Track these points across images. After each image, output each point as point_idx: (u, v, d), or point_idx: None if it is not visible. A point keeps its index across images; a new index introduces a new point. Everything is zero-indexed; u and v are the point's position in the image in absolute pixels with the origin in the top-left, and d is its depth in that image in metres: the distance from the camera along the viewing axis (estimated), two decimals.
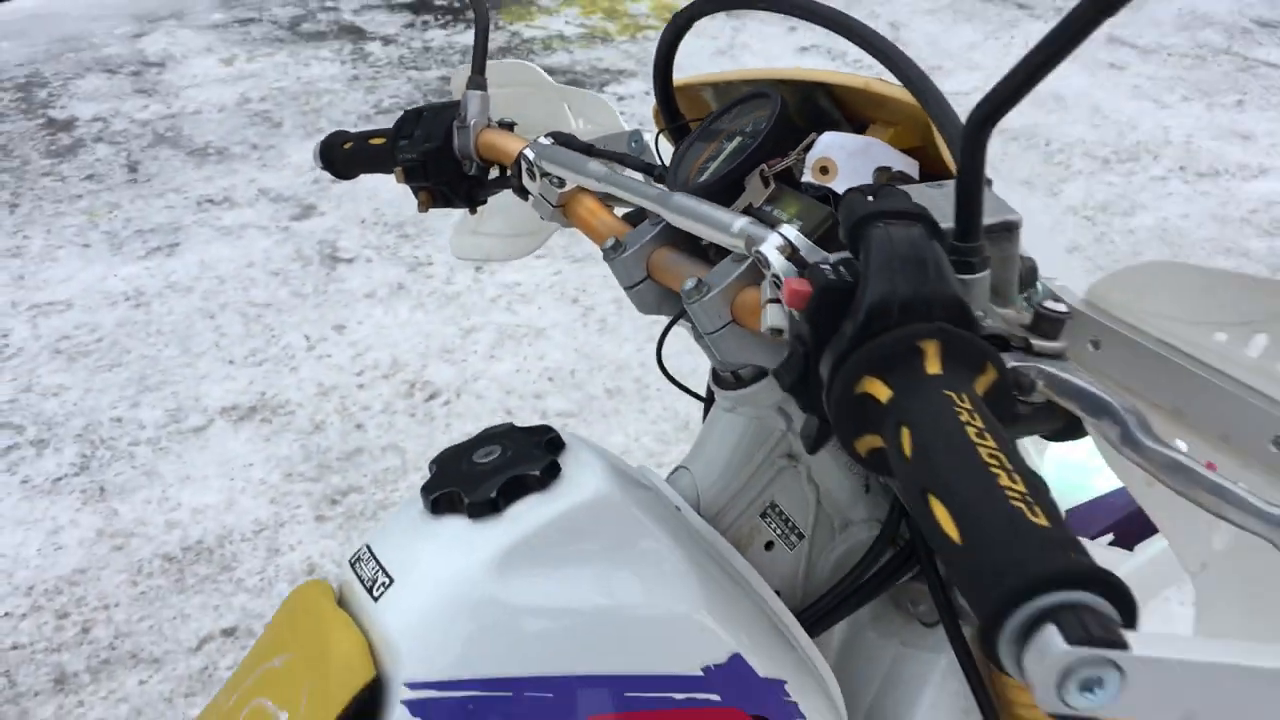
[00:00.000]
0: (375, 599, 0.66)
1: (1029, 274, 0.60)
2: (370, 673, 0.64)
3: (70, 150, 3.85)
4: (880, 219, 0.51)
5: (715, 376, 0.76)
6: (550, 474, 0.68)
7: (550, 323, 2.85)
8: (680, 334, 0.77)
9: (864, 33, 0.70)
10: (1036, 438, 0.59)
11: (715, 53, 4.40)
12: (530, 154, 0.83)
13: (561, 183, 0.82)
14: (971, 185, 0.52)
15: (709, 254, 0.73)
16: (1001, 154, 3.56)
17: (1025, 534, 0.36)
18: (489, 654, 0.64)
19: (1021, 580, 0.35)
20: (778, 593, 0.79)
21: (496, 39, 4.64)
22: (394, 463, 2.41)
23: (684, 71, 0.87)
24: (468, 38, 4.64)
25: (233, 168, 3.66)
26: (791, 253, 0.59)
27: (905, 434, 0.43)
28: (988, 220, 0.56)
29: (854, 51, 4.18)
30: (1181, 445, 0.46)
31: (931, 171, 0.72)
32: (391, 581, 0.67)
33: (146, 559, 2.20)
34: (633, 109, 3.97)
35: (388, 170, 0.97)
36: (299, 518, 2.29)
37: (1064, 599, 0.35)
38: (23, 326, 2.92)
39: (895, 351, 0.47)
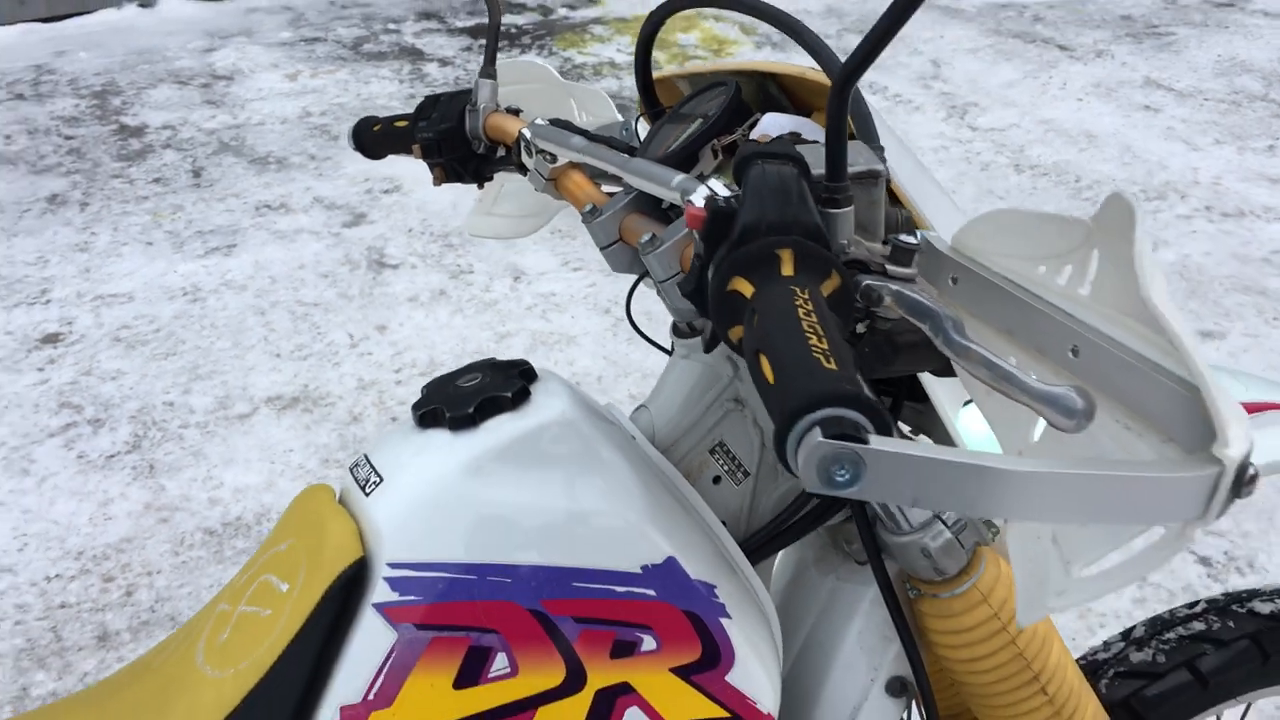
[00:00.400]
0: (367, 495, 0.79)
1: (905, 222, 0.71)
2: (358, 553, 0.76)
3: (140, 155, 4.06)
4: (760, 159, 0.63)
5: (674, 327, 0.88)
6: (521, 397, 0.80)
7: (581, 331, 2.97)
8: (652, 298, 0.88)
9: (797, 27, 0.82)
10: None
11: None
12: (527, 133, 0.95)
13: (554, 159, 0.94)
14: (837, 136, 0.64)
15: (670, 218, 0.84)
16: (1031, 188, 3.65)
17: (816, 373, 0.47)
18: (459, 542, 0.76)
19: (804, 400, 0.46)
20: (724, 522, 0.90)
21: (551, 62, 4.81)
22: None
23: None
24: (555, 62, 4.82)
25: (291, 176, 3.85)
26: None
27: (756, 318, 0.54)
28: (854, 168, 0.67)
29: (894, 86, 4.30)
30: (999, 360, 0.57)
31: None
32: (381, 480, 0.79)
33: (189, 532, 2.35)
34: None
35: (409, 149, 1.10)
36: None
37: (831, 413, 0.46)
38: (86, 315, 3.10)
39: (758, 257, 0.58)
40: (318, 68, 4.80)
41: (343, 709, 0.74)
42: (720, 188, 0.67)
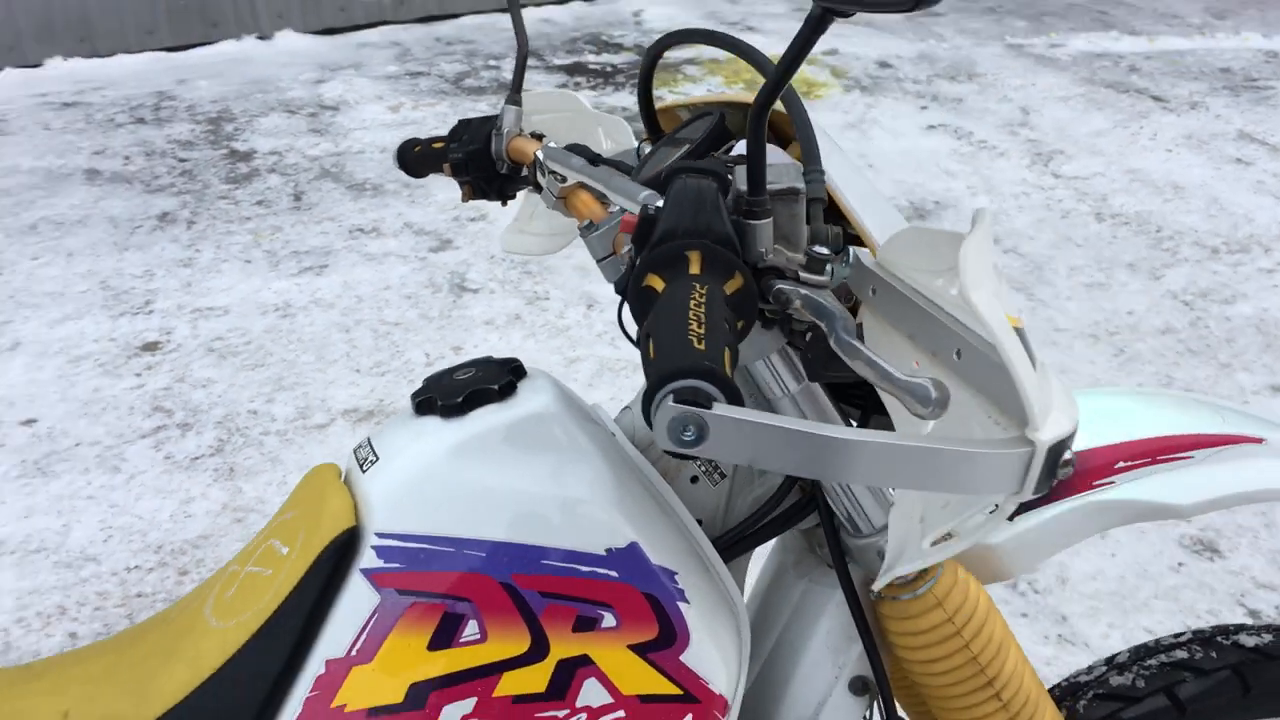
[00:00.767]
0: (364, 472, 0.87)
1: (835, 238, 0.77)
2: (351, 522, 0.84)
3: (246, 178, 4.28)
4: (683, 173, 0.71)
5: None
6: (508, 391, 0.88)
7: None
8: None
9: (765, 66, 0.89)
10: None
11: (846, 125, 4.59)
12: (540, 155, 1.04)
13: (564, 180, 1.03)
14: (756, 155, 0.71)
15: None
16: (1110, 237, 3.64)
17: (683, 351, 0.54)
18: (441, 517, 0.84)
19: (667, 371, 0.53)
20: (700, 521, 0.97)
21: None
22: None
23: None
24: (615, 99, 4.95)
25: (385, 202, 4.02)
26: None
27: (654, 308, 0.61)
28: (776, 185, 0.74)
29: (980, 132, 4.33)
30: (874, 356, 0.63)
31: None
32: (377, 459, 0.87)
33: None
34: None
35: (441, 168, 1.20)
36: None
37: (686, 383, 0.53)
38: (184, 326, 3.28)
39: (670, 257, 0.65)
40: (419, 100, 4.99)
41: (328, 661, 0.82)
42: (658, 200, 0.75)
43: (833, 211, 0.85)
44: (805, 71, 5.19)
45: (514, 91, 1.14)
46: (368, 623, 0.82)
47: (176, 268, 3.62)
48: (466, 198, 1.18)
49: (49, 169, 4.44)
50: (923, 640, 0.94)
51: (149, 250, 3.75)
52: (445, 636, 0.83)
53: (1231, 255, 3.50)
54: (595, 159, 1.02)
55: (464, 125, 1.18)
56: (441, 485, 0.85)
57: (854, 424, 0.98)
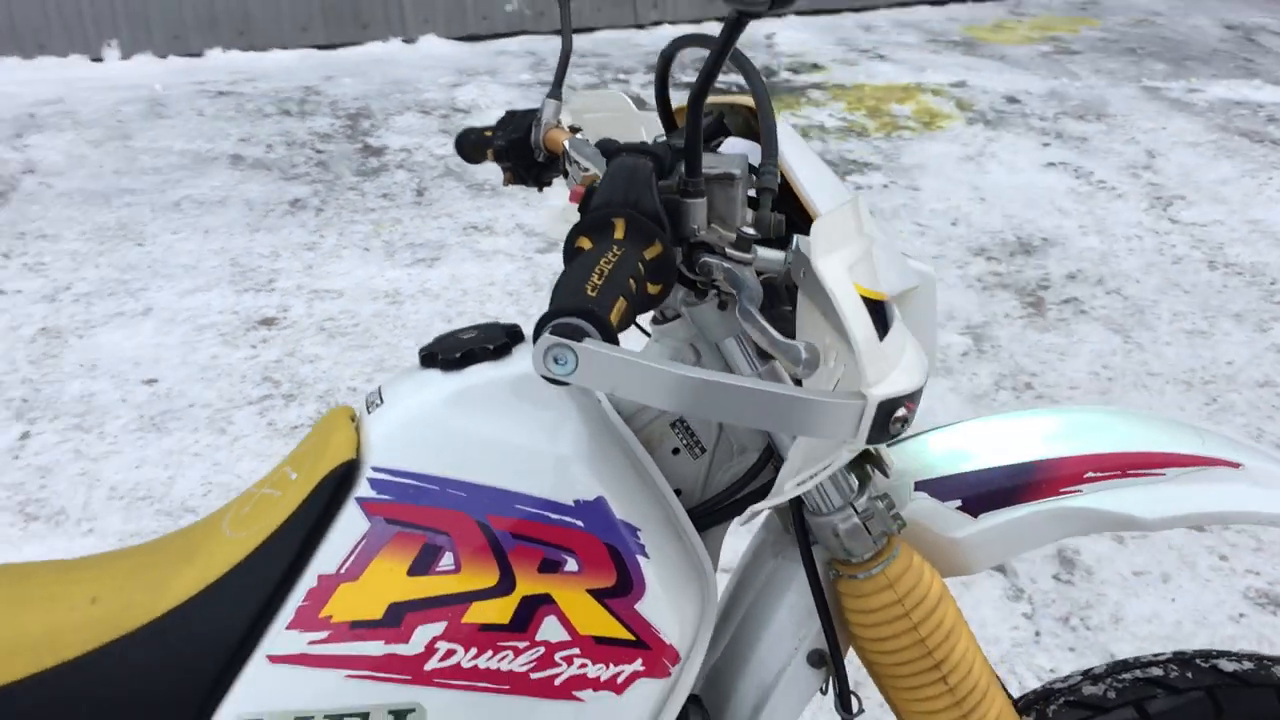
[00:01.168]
0: (369, 413, 0.98)
1: (776, 225, 0.84)
2: (351, 455, 0.95)
3: (375, 172, 4.50)
4: (623, 152, 0.79)
5: (654, 315, 1.04)
6: (503, 351, 0.98)
7: None
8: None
9: (749, 70, 0.96)
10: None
11: (964, 158, 4.58)
12: (568, 145, 1.14)
13: (586, 169, 1.12)
14: (692, 142, 0.79)
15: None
16: (1221, 286, 3.57)
17: (576, 296, 0.63)
18: (430, 457, 0.94)
19: (554, 308, 0.62)
20: (680, 491, 1.05)
21: None
22: None
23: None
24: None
25: (500, 203, 4.18)
26: None
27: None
28: (714, 170, 0.82)
29: (1100, 173, 4.28)
30: (764, 323, 0.70)
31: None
32: (382, 403, 0.98)
33: None
34: (866, 198, 4.22)
35: (487, 154, 1.30)
36: None
37: (566, 320, 0.61)
38: (300, 305, 3.48)
39: (598, 223, 0.74)
40: None
41: (320, 576, 0.93)
42: None
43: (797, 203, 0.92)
44: (930, 102, 5.20)
45: (555, 87, 1.24)
46: (357, 545, 0.92)
47: (301, 250, 3.84)
48: (507, 182, 1.29)
49: (198, 152, 4.74)
50: (873, 619, 1.00)
51: (278, 233, 3.98)
52: (424, 564, 0.92)
53: None
54: (615, 151, 1.11)
55: (510, 116, 1.28)
56: (434, 430, 0.94)
57: None
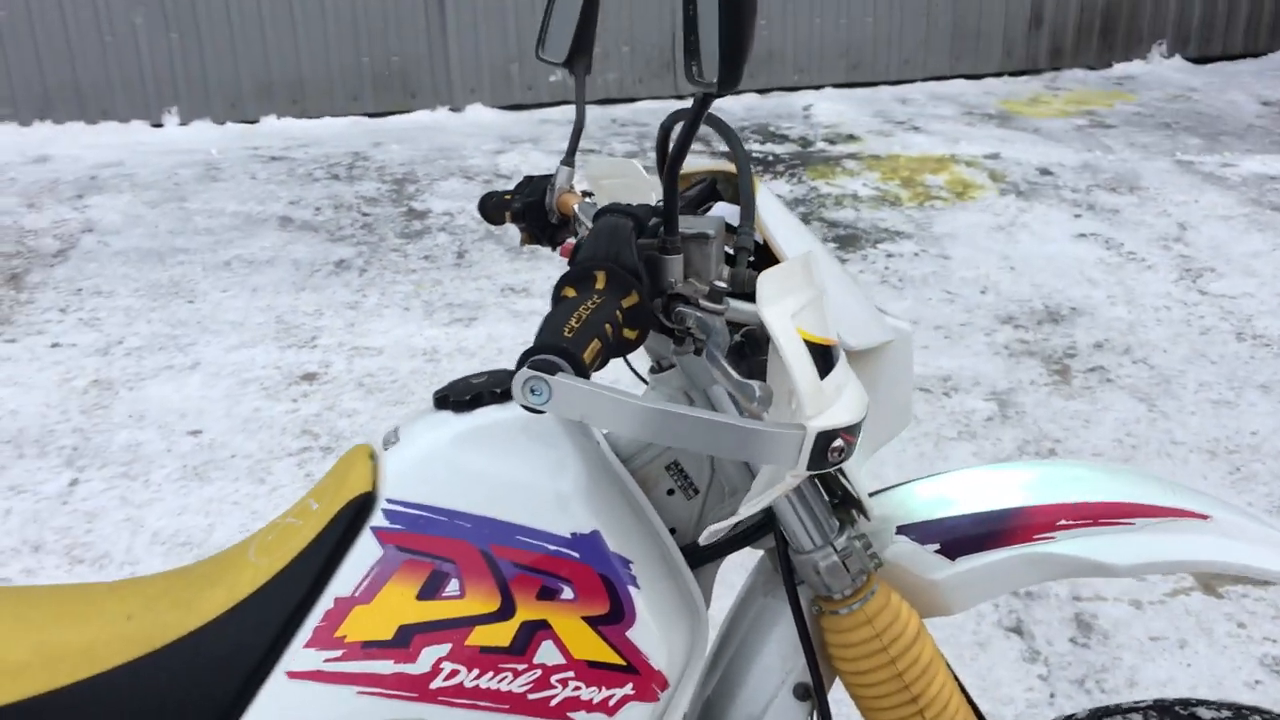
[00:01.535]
0: (386, 450, 1.06)
1: (750, 280, 0.92)
2: (368, 488, 1.03)
3: (418, 235, 4.64)
4: (608, 213, 0.87)
5: (652, 366, 1.12)
6: (509, 395, 1.06)
7: None
8: None
9: (732, 139, 1.04)
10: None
11: (995, 228, 4.65)
12: (576, 209, 1.23)
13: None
14: (670, 205, 0.87)
15: None
16: (1248, 357, 3.59)
17: (554, 336, 0.71)
18: (439, 491, 1.01)
19: (534, 346, 0.70)
20: (674, 530, 1.12)
21: (797, 190, 5.12)
22: None
23: None
24: (775, 187, 5.14)
25: (538, 266, 4.30)
26: None
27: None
28: (690, 230, 0.90)
29: (1130, 244, 4.33)
30: (726, 366, 0.78)
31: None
32: (398, 441, 1.06)
33: None
34: (896, 265, 4.29)
35: (505, 216, 1.40)
36: None
37: (542, 356, 0.69)
38: (341, 361, 3.60)
39: (582, 274, 0.82)
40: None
41: (336, 599, 1.00)
42: None
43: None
44: (963, 173, 5.29)
45: (569, 155, 1.33)
46: (371, 571, 1.00)
47: (344, 309, 3.97)
48: (524, 242, 1.38)
49: (249, 213, 4.91)
50: (853, 653, 1.06)
51: (323, 292, 4.11)
52: (431, 589, 1.00)
53: None
54: (601, 212, 1.20)
55: (527, 181, 1.37)
56: (443, 465, 1.02)
57: None
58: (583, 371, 0.71)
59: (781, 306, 0.75)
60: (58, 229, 4.75)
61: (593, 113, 6.46)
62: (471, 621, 1.00)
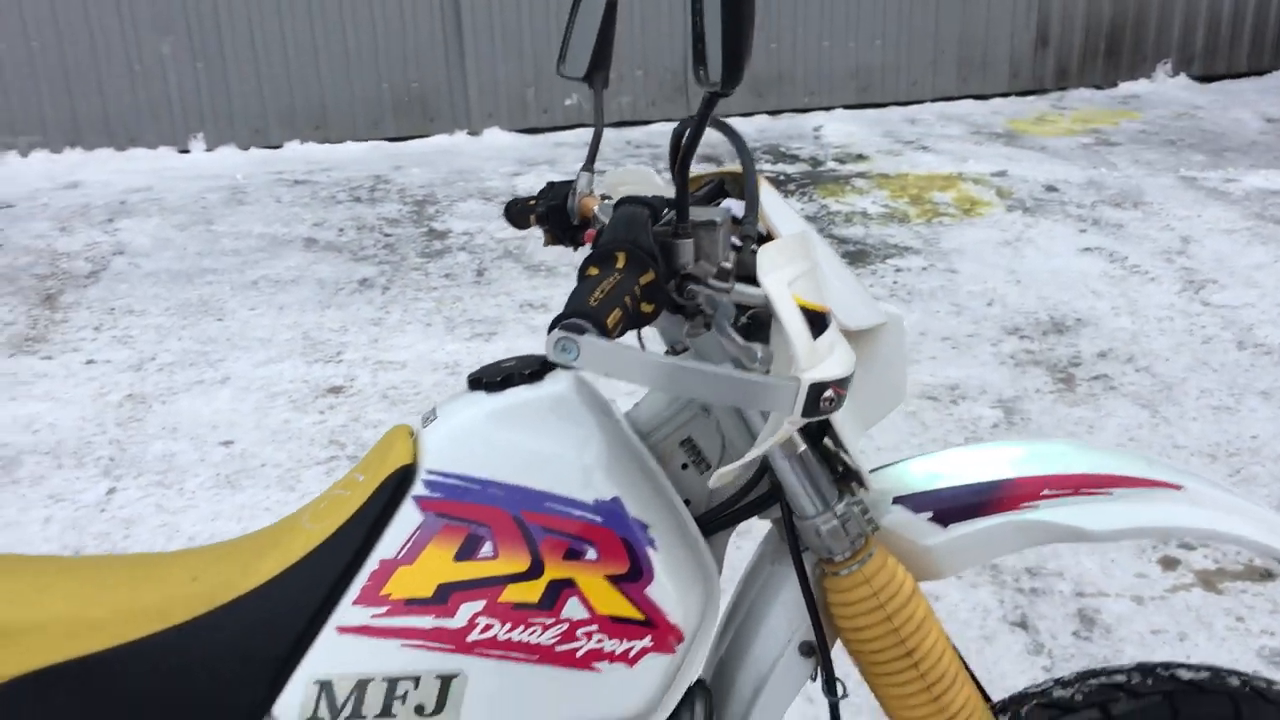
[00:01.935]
0: (424, 427, 1.17)
1: (755, 264, 1.02)
2: (409, 460, 1.13)
3: (439, 254, 4.76)
4: (626, 203, 0.98)
5: (668, 349, 1.22)
6: (537, 376, 1.16)
7: None
8: None
9: (740, 147, 1.15)
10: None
11: (1001, 243, 4.75)
12: (596, 210, 1.34)
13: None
14: (681, 196, 0.98)
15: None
16: (1249, 365, 3.68)
17: (581, 304, 0.81)
18: (474, 462, 1.12)
19: (565, 311, 0.81)
20: (688, 501, 1.22)
21: (808, 209, 5.23)
22: None
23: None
24: (812, 207, 5.25)
25: (555, 283, 4.41)
26: None
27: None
28: (699, 218, 1.01)
29: (1134, 258, 4.43)
30: (732, 333, 0.88)
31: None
32: (436, 419, 1.17)
33: None
34: (904, 280, 4.40)
35: (530, 220, 1.50)
36: None
37: (572, 320, 0.80)
38: (366, 375, 3.72)
39: (604, 254, 0.93)
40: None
41: (381, 560, 1.11)
42: None
43: None
44: (970, 190, 5.39)
45: (589, 161, 1.44)
46: (412, 535, 1.10)
47: (367, 325, 4.09)
48: (547, 243, 1.48)
49: (275, 235, 5.05)
50: (852, 611, 1.16)
51: (347, 309, 4.23)
52: (467, 551, 1.10)
53: None
54: (620, 203, 1.30)
55: (550, 186, 1.48)
56: (478, 439, 1.13)
57: None
58: (606, 334, 0.81)
59: (779, 275, 0.85)
60: (89, 251, 4.90)
61: (608, 135, 6.60)
62: (504, 580, 1.10)
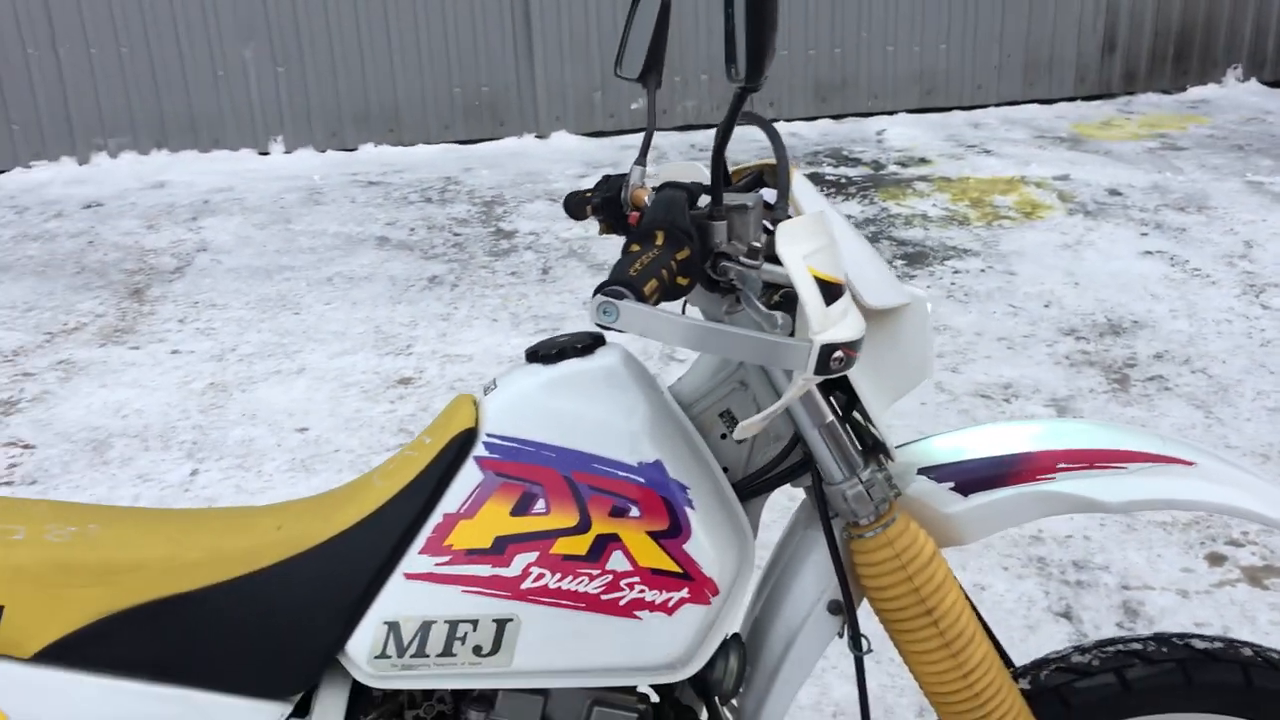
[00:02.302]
0: (485, 395, 1.28)
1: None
2: (471, 425, 1.25)
3: (505, 253, 4.91)
4: (666, 188, 1.09)
5: None
6: (588, 350, 1.27)
7: None
8: None
9: (774, 137, 1.24)
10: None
11: (1062, 245, 4.78)
12: (647, 200, 1.44)
13: None
14: (716, 183, 1.08)
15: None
16: None
17: (622, 273, 0.92)
18: (530, 427, 1.23)
19: (608, 279, 0.91)
20: (726, 469, 1.32)
21: (868, 211, 5.29)
22: None
23: None
24: (844, 207, 5.32)
25: None
26: None
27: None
28: (731, 202, 1.11)
29: (1195, 261, 4.43)
30: (757, 303, 0.98)
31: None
32: (496, 387, 1.28)
33: None
34: (962, 281, 4.45)
35: (586, 210, 1.62)
36: None
37: (613, 287, 0.91)
38: (434, 367, 3.86)
39: (645, 232, 1.03)
40: None
41: (445, 514, 1.22)
42: None
43: None
44: (1032, 194, 5.42)
45: (641, 155, 1.55)
46: (473, 492, 1.22)
47: (436, 320, 4.24)
48: (603, 232, 1.59)
49: (349, 234, 5.23)
50: (876, 571, 1.25)
51: (417, 305, 4.39)
52: (522, 507, 1.21)
53: None
54: (660, 188, 1.40)
55: (605, 179, 1.59)
56: (533, 406, 1.24)
57: None
58: (643, 299, 0.92)
59: (796, 248, 0.95)
60: (175, 248, 5.12)
61: (671, 138, 6.72)
62: (555, 534, 1.21)
